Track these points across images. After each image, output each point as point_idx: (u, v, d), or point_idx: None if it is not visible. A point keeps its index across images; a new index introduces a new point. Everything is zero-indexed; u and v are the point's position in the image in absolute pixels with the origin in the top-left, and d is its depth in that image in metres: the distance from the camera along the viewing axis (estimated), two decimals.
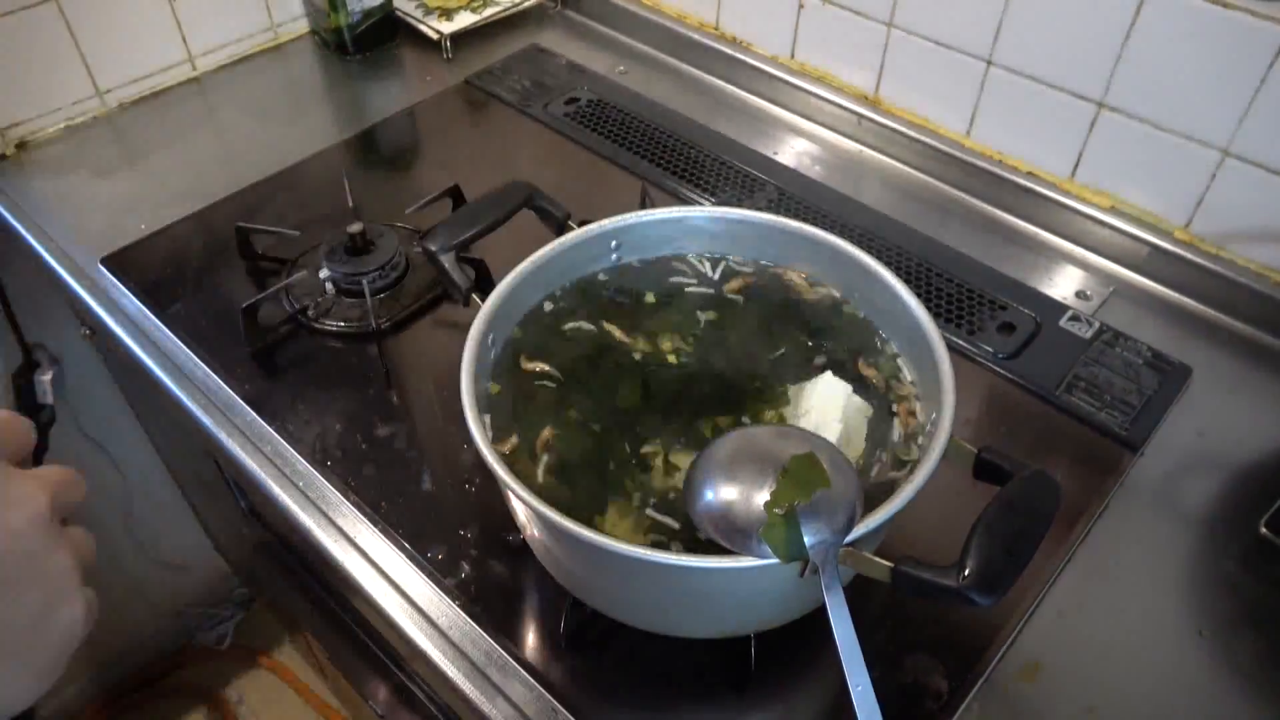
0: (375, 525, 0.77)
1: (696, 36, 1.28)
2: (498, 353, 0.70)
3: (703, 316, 0.73)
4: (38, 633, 0.38)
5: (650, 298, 0.75)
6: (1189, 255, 0.96)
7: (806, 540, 0.53)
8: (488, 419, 0.65)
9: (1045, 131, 1.02)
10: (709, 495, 0.56)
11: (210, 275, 0.99)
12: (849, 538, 0.54)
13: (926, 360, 0.66)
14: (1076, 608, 0.73)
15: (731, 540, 0.54)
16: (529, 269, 0.72)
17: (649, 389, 0.68)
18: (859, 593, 0.69)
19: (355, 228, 0.94)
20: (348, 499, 0.79)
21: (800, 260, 0.76)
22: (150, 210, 1.07)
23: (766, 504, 0.54)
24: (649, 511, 0.61)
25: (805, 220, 0.75)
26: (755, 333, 0.72)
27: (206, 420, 0.86)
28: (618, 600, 0.65)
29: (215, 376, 0.89)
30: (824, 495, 0.54)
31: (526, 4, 1.39)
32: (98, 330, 1.03)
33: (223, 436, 0.85)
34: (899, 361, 0.70)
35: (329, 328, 0.93)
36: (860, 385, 0.68)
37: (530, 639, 0.70)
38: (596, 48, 1.35)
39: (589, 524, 0.56)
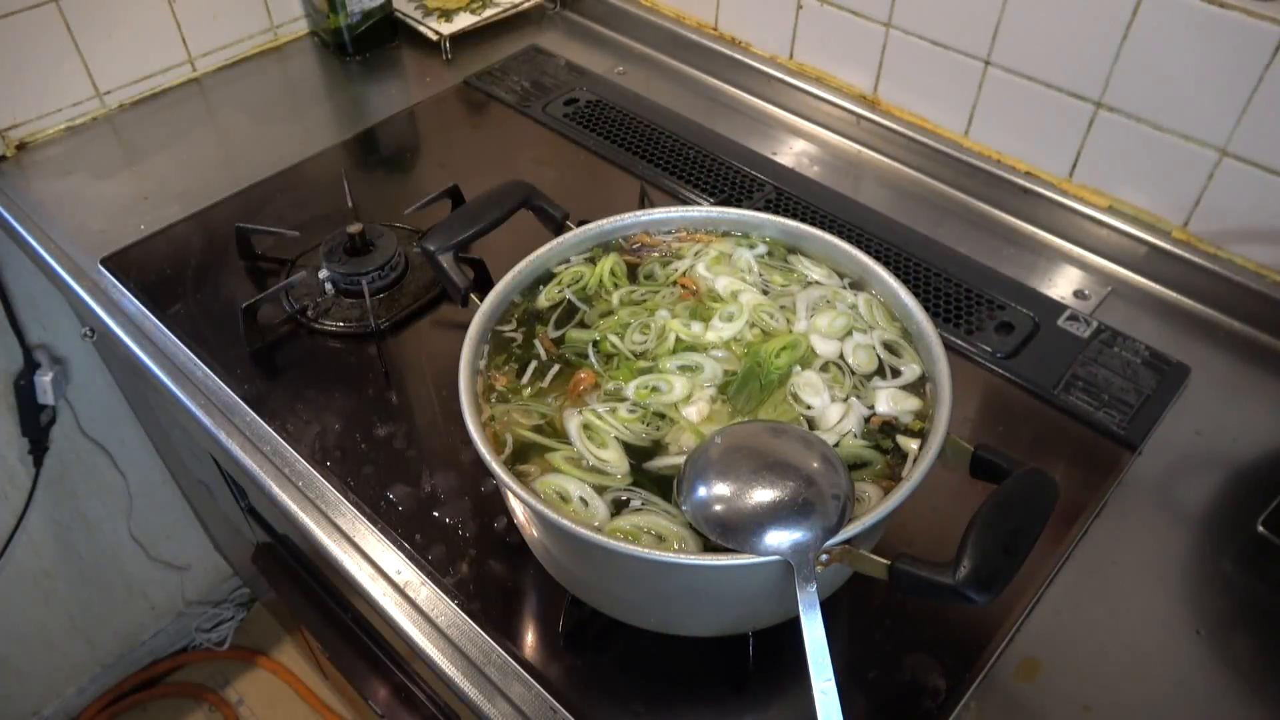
0: (375, 525, 0.77)
1: (695, 37, 1.29)
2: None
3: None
4: None
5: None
6: (1187, 255, 0.96)
7: (786, 540, 0.53)
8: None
9: (1043, 131, 1.02)
10: (702, 491, 0.56)
11: (210, 275, 0.99)
12: (842, 536, 0.54)
13: (924, 359, 0.66)
14: (1074, 606, 0.73)
15: (726, 537, 0.54)
16: (527, 269, 0.73)
17: None
18: (857, 591, 0.70)
19: (355, 228, 0.94)
20: (347, 499, 0.79)
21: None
22: (150, 210, 1.07)
23: None
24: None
25: (804, 220, 0.76)
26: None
27: (206, 420, 0.86)
28: (616, 599, 0.66)
29: (215, 376, 0.89)
30: (815, 492, 0.54)
31: (526, 5, 1.39)
32: (98, 330, 1.03)
33: (223, 436, 0.85)
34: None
35: (328, 328, 0.93)
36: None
37: (529, 638, 0.70)
38: (595, 48, 1.36)
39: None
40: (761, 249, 0.76)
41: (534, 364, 0.68)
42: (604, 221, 0.76)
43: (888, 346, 0.68)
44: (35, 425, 1.38)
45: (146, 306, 0.96)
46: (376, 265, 0.94)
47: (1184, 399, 0.87)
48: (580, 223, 0.76)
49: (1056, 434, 0.84)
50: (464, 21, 1.33)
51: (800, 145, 1.18)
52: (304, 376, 0.89)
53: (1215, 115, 0.89)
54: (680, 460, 0.60)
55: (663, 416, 0.64)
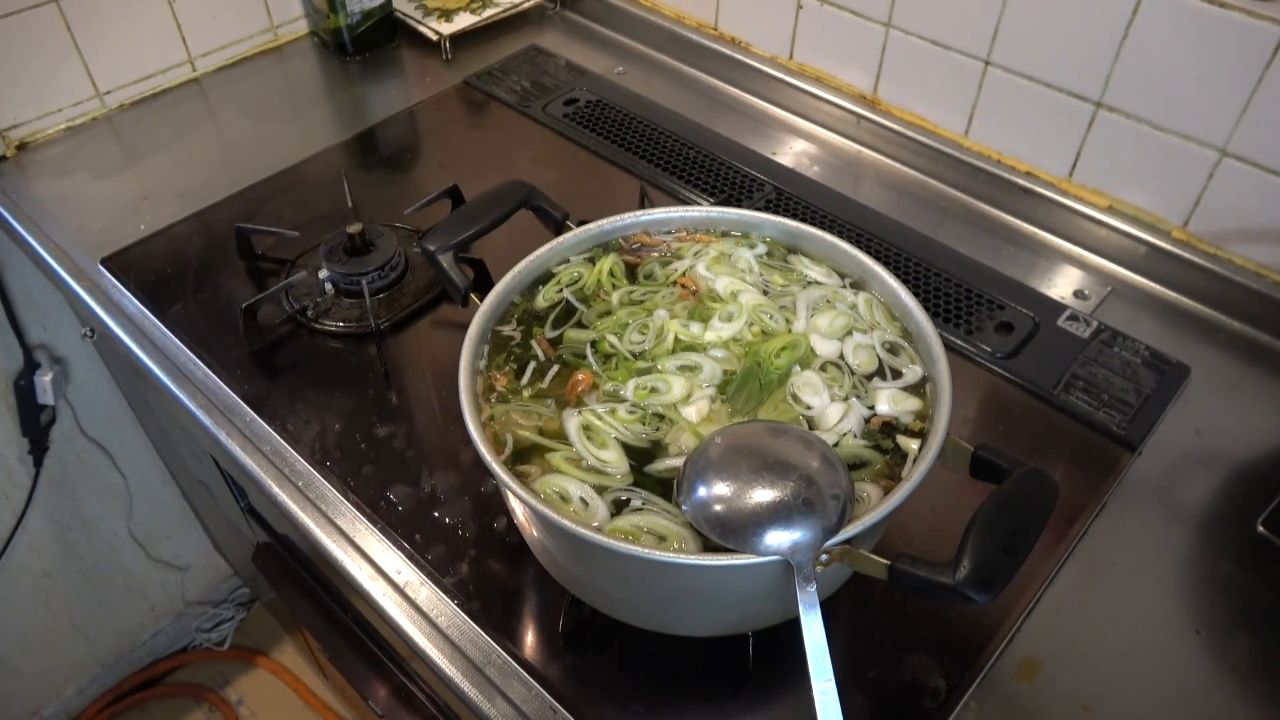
0: (374, 525, 0.77)
1: (695, 37, 1.29)
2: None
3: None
4: None
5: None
6: (1187, 255, 0.96)
7: (786, 540, 0.53)
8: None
9: (1043, 131, 1.02)
10: (702, 491, 0.56)
11: (210, 275, 0.99)
12: (842, 536, 0.54)
13: (924, 359, 0.66)
14: (1074, 607, 0.73)
15: (726, 537, 0.54)
16: (527, 269, 0.73)
17: None
18: (857, 591, 0.70)
19: (354, 228, 0.94)
20: (347, 499, 0.79)
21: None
22: (150, 210, 1.07)
23: None
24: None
25: (804, 220, 0.76)
26: None
27: (206, 420, 0.86)
28: (616, 599, 0.66)
29: (215, 376, 0.89)
30: (814, 492, 0.54)
31: (526, 5, 1.39)
32: (98, 330, 1.03)
33: (223, 436, 0.85)
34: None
35: (328, 328, 0.93)
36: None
37: (529, 638, 0.70)
38: (595, 48, 1.36)
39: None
40: (761, 249, 0.76)
41: (533, 364, 0.68)
42: (604, 221, 0.76)
43: (888, 347, 0.68)
44: (35, 425, 1.38)
45: (146, 306, 0.96)
46: (376, 265, 0.94)
47: (1184, 399, 0.87)
48: (580, 223, 0.76)
49: (1056, 434, 0.84)
50: (464, 21, 1.33)
51: (800, 145, 1.18)
52: (304, 376, 0.89)
53: (1215, 115, 0.89)
54: (680, 462, 0.60)
55: (662, 417, 0.64)
